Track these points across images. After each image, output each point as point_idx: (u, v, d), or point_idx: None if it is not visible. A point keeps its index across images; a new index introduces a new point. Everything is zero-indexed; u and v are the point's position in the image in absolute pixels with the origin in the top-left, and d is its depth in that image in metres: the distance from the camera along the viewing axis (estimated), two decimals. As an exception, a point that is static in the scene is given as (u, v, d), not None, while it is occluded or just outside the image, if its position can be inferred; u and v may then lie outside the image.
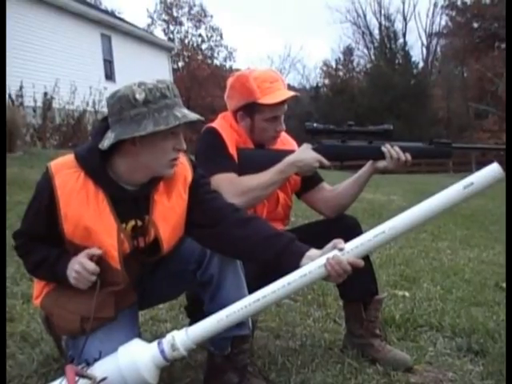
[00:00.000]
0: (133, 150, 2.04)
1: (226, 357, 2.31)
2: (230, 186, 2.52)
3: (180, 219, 2.22)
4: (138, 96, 1.98)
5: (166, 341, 1.97)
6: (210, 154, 2.62)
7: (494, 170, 1.88)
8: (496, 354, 2.88)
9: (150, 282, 2.33)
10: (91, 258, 2.05)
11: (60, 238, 2.11)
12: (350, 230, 2.58)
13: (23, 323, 3.07)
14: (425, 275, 4.81)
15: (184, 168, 2.24)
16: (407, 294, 4.09)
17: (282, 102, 2.65)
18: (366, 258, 2.69)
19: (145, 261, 2.24)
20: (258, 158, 2.68)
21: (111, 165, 2.09)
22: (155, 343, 1.98)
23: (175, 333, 1.98)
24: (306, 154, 2.63)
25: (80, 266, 2.03)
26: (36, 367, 2.56)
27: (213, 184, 2.41)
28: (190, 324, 2.69)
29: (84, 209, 2.06)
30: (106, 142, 2.00)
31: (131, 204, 2.13)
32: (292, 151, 2.68)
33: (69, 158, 2.12)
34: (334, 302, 3.68)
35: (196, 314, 2.34)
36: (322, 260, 1.96)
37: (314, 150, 2.63)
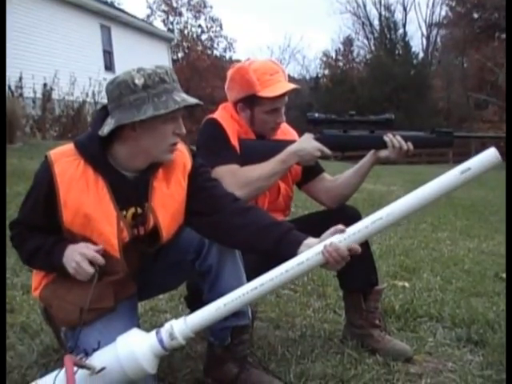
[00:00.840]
0: (133, 135, 2.04)
1: (226, 347, 2.31)
2: (232, 178, 2.52)
3: (179, 207, 2.22)
4: (137, 81, 1.99)
5: (165, 330, 1.97)
6: (211, 145, 2.62)
7: (491, 154, 1.86)
8: (495, 344, 2.89)
9: (149, 273, 2.33)
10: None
11: (58, 228, 2.10)
12: (351, 220, 2.55)
13: (23, 314, 3.07)
14: (425, 266, 4.81)
15: (183, 156, 2.24)
16: (407, 284, 4.10)
17: (283, 95, 2.64)
18: (367, 248, 2.70)
19: (145, 251, 2.24)
20: (260, 148, 2.67)
21: (111, 151, 2.10)
22: (153, 332, 1.98)
23: (173, 322, 1.98)
24: (307, 143, 2.62)
25: (81, 257, 2.03)
26: (36, 358, 2.57)
27: (215, 176, 2.41)
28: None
29: (84, 196, 2.06)
30: (106, 128, 2.00)
31: (131, 191, 2.13)
32: (294, 141, 2.67)
33: (68, 146, 2.13)
34: (334, 293, 3.68)
35: (196, 304, 2.33)
36: (320, 247, 1.95)
37: (316, 139, 2.63)
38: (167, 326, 1.97)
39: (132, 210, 2.16)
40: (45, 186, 2.07)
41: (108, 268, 2.09)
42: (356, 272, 2.67)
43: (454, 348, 2.91)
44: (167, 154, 2.12)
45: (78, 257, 2.03)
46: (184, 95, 2.06)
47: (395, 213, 1.92)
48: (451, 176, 1.89)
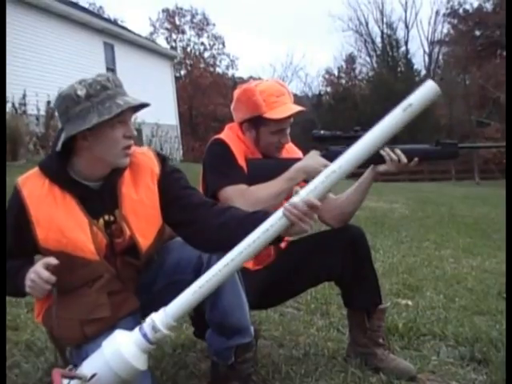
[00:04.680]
0: (85, 145, 2.10)
1: (230, 366, 2.31)
2: (241, 197, 2.52)
3: (152, 211, 2.24)
4: (79, 92, 2.05)
5: (147, 324, 1.98)
6: (219, 165, 2.64)
7: (430, 87, 1.89)
8: (499, 362, 2.88)
9: (150, 292, 2.34)
10: (47, 267, 2.05)
11: (30, 254, 2.17)
12: (356, 239, 2.59)
13: (28, 332, 3.08)
14: (428, 284, 4.81)
15: (149, 161, 2.28)
16: (410, 302, 4.09)
17: (288, 117, 2.67)
18: (370, 267, 2.71)
19: (133, 263, 2.26)
20: (267, 167, 2.68)
21: (71, 165, 2.16)
22: (136, 329, 1.99)
23: (154, 315, 1.99)
24: (313, 160, 2.63)
25: (35, 275, 2.05)
26: (41, 376, 2.58)
27: (223, 196, 2.45)
28: (196, 333, 2.71)
29: (54, 210, 2.12)
30: (60, 143, 2.08)
31: (98, 200, 2.18)
32: (300, 159, 2.69)
33: (34, 170, 2.21)
34: (338, 311, 3.68)
35: (201, 322, 2.36)
36: (280, 211, 1.96)
37: (322, 156, 2.64)
38: (148, 320, 2.00)
39: (103, 219, 2.20)
40: (15, 210, 2.14)
41: (93, 274, 2.14)
42: (360, 290, 2.68)
43: (458, 366, 2.90)
44: (122, 159, 2.16)
45: (32, 275, 2.05)
46: (128, 98, 2.10)
47: (348, 163, 1.93)
48: (394, 116, 1.90)
